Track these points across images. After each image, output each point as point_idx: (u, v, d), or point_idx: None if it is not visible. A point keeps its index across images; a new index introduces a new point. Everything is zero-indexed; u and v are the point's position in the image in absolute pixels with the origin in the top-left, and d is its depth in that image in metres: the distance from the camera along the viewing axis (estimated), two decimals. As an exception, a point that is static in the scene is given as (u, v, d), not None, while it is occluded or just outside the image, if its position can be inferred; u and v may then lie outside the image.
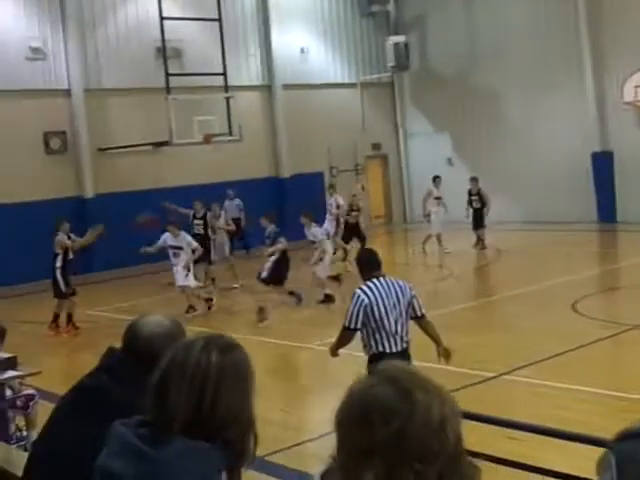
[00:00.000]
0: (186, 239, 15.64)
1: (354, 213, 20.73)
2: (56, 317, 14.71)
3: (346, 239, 20.16)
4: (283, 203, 25.68)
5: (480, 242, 21.56)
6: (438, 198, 21.68)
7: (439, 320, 14.20)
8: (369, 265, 7.26)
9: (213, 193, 22.20)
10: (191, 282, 15.72)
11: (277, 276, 15.00)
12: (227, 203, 22.78)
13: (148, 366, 2.98)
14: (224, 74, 21.96)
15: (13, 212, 21.09)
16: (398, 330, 7.02)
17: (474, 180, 22.10)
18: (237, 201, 22.86)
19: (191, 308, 15.34)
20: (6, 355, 7.50)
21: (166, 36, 21.28)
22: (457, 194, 22.30)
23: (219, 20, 22.08)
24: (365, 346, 7.17)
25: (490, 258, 20.32)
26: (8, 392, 7.67)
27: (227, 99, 22.03)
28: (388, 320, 6.98)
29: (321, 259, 16.22)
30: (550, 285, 15.65)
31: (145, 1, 23.23)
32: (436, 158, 28.61)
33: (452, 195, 22.23)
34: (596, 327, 12.11)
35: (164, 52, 21.39)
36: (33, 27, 22.29)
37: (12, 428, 7.61)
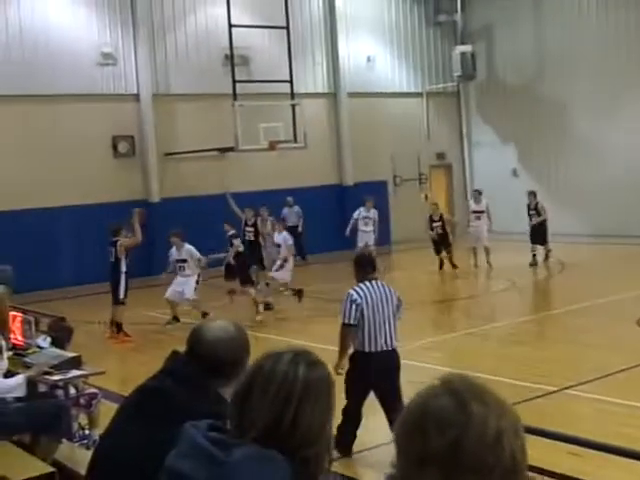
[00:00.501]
0: (190, 251, 15.56)
1: (435, 224, 21.12)
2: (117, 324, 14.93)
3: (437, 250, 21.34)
4: (346, 211, 25.70)
5: (537, 257, 20.80)
6: (477, 212, 21.37)
7: (501, 331, 14.15)
8: (364, 268, 7.77)
9: (277, 199, 22.34)
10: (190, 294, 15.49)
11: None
12: (286, 210, 22.89)
13: (211, 371, 3.02)
14: (290, 81, 22.07)
15: (81, 214, 21.51)
16: (385, 330, 7.57)
17: (532, 194, 21.47)
18: (296, 208, 22.95)
19: (205, 314, 15.07)
20: (71, 354, 7.64)
21: (234, 43, 21.47)
22: (522, 206, 22.03)
23: (287, 28, 22.21)
24: (358, 340, 7.67)
25: (554, 271, 20.04)
26: (72, 390, 7.81)
27: (293, 106, 22.13)
28: (375, 320, 7.52)
29: (282, 266, 17.15)
30: (616, 300, 15.36)
31: (214, 8, 23.51)
32: (501, 168, 28.39)
33: (517, 206, 21.99)
34: (662, 344, 11.86)
35: (232, 59, 21.59)
36: (105, 33, 22.73)
37: (75, 426, 7.73)
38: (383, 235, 23.08)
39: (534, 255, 20.72)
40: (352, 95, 27.02)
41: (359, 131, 26.86)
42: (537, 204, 21.21)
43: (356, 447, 8.02)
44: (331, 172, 26.94)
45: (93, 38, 22.47)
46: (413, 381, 9.94)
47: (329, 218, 25.07)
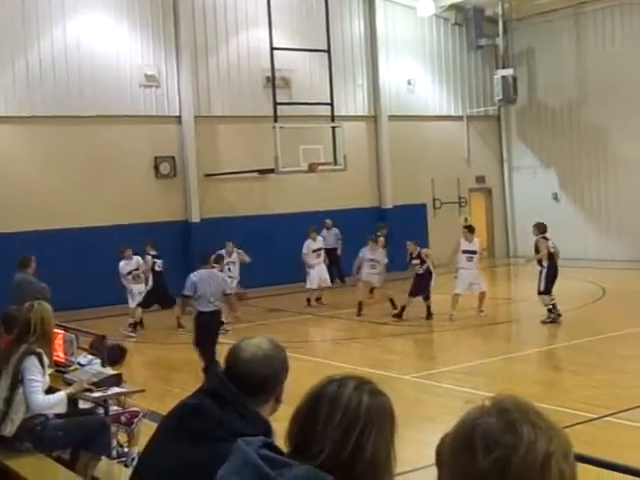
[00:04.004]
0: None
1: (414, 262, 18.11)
2: None
3: None
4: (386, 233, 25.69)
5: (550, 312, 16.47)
6: (469, 252, 17.71)
7: (541, 356, 14.00)
8: (199, 260, 13.11)
9: (316, 221, 22.37)
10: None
11: None
12: (325, 232, 22.91)
13: (249, 390, 3.02)
14: (331, 104, 22.15)
15: (123, 233, 21.66)
16: (212, 299, 12.30)
17: (535, 227, 16.96)
18: (335, 230, 22.97)
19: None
20: (111, 372, 7.69)
21: (275, 66, 21.63)
22: (563, 231, 21.84)
23: (328, 51, 22.34)
24: (196, 306, 12.57)
25: (595, 297, 19.81)
26: (113, 407, 7.86)
27: (333, 129, 22.20)
28: (205, 292, 12.23)
29: None
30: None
31: (256, 31, 23.71)
32: (541, 193, 28.23)
33: (557, 232, 21.78)
34: None
35: (273, 81, 21.74)
36: (148, 55, 23.02)
37: (114, 443, 7.77)
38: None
39: (549, 309, 16.51)
40: (392, 118, 27.05)
41: (399, 154, 26.87)
42: (536, 241, 16.73)
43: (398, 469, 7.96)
44: (371, 195, 26.95)
45: (137, 60, 22.76)
46: (450, 405, 9.89)
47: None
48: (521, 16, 28.46)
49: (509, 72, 27.18)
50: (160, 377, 13.75)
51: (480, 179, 29.61)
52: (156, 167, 23.09)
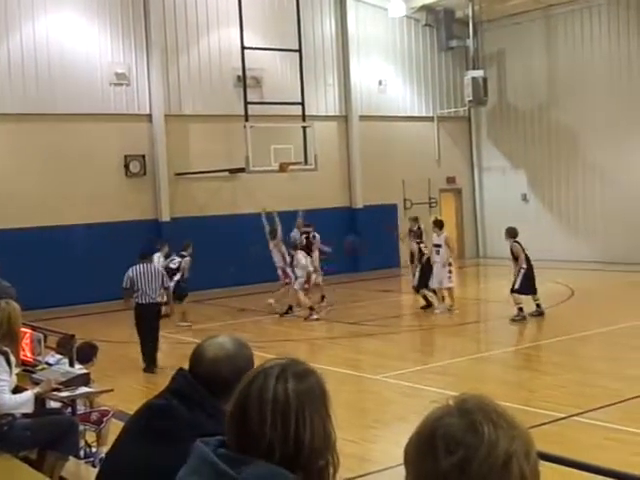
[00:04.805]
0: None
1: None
2: None
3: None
4: (356, 233, 25.72)
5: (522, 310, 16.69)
6: (436, 246, 18.29)
7: (510, 356, 14.09)
8: (140, 257, 13.64)
9: (287, 221, 22.38)
10: None
11: None
12: (295, 232, 22.90)
13: (213, 389, 3.00)
14: (302, 104, 22.16)
15: (93, 232, 21.57)
16: (149, 292, 13.23)
17: (506, 232, 17.37)
18: (306, 230, 22.98)
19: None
20: (80, 371, 7.62)
21: (247, 65, 21.60)
22: (532, 232, 21.97)
23: (299, 51, 22.35)
24: (134, 298, 13.32)
25: (563, 297, 19.98)
26: (82, 407, 7.80)
27: (304, 128, 22.20)
28: (143, 285, 13.19)
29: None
30: (624, 327, 15.31)
31: (227, 31, 23.66)
32: (511, 194, 28.43)
33: (526, 233, 21.94)
34: (672, 372, 11.78)
35: (244, 80, 21.70)
36: (118, 53, 22.89)
37: (81, 443, 7.71)
38: (392, 258, 23.06)
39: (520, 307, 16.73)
40: (363, 118, 27.10)
41: (370, 154, 26.93)
42: (510, 246, 17.11)
43: (367, 469, 8.00)
44: (341, 194, 26.99)
45: (107, 58, 22.62)
46: (420, 404, 9.92)
47: (339, 240, 25.08)
48: (491, 18, 28.62)
49: (479, 73, 27.32)
50: (130, 376, 13.67)
51: (450, 180, 29.75)
52: (126, 166, 22.96)
